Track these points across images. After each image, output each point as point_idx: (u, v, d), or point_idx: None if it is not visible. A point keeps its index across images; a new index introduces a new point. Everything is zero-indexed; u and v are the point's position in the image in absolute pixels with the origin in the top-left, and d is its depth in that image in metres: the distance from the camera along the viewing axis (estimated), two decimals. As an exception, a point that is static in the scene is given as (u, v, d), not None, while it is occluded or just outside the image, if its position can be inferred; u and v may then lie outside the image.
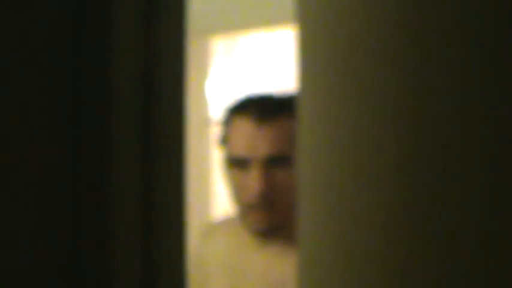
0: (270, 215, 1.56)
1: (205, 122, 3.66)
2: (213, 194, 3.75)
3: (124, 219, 0.68)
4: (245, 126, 1.56)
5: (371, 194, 0.76)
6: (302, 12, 0.82)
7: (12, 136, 0.63)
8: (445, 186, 0.73)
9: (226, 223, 1.77)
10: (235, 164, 1.58)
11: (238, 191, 1.59)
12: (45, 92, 0.66)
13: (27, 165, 0.64)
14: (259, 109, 1.56)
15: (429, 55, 0.73)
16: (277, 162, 1.55)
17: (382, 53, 0.76)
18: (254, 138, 1.55)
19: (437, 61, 0.73)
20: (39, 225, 0.65)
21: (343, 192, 0.78)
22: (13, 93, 0.63)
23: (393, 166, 0.75)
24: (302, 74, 0.83)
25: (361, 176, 0.77)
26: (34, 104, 0.65)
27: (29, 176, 0.64)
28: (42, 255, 0.65)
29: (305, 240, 0.82)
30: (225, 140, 1.63)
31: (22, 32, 0.64)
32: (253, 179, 1.53)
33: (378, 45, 0.76)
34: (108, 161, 0.67)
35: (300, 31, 0.83)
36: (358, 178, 0.77)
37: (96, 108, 0.68)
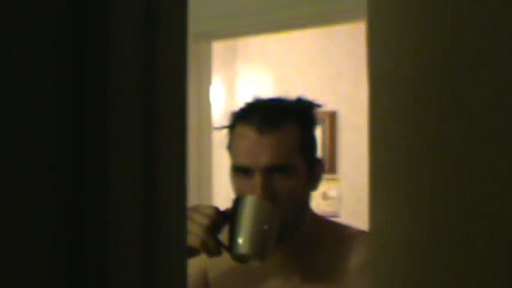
0: None
1: (208, 126, 3.66)
2: (214, 198, 3.76)
3: (124, 220, 0.68)
4: (247, 135, 1.57)
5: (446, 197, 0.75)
6: (373, 8, 0.81)
7: (12, 137, 0.63)
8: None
9: None
10: (239, 171, 1.59)
11: None
12: (44, 95, 0.66)
13: (27, 167, 0.64)
14: (261, 117, 1.56)
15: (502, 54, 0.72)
16: (279, 170, 1.55)
17: (452, 51, 0.75)
18: (255, 147, 1.55)
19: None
20: (38, 224, 0.65)
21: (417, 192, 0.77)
22: (12, 94, 0.63)
23: (467, 166, 0.74)
24: (372, 74, 0.81)
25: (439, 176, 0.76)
26: (33, 104, 0.65)
27: (28, 176, 0.64)
28: (41, 254, 0.65)
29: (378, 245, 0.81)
30: (230, 147, 1.64)
31: (22, 30, 0.64)
32: (255, 188, 1.54)
33: (447, 43, 0.75)
34: (109, 163, 0.67)
35: (370, 28, 0.82)
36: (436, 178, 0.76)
37: (96, 111, 0.68)
